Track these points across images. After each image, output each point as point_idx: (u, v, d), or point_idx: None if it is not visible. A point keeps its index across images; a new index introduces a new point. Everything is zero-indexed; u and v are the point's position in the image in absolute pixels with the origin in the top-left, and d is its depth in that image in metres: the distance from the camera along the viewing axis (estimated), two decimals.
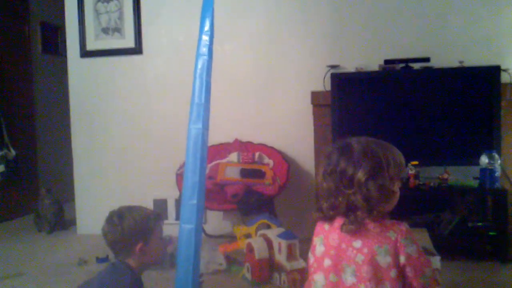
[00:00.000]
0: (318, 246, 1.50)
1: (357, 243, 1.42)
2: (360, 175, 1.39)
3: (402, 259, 1.39)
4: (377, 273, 1.39)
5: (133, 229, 1.82)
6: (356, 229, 1.40)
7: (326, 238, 1.48)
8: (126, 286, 1.77)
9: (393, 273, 1.39)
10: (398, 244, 1.39)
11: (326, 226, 1.50)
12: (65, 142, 4.55)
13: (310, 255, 1.55)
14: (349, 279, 1.42)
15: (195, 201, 1.94)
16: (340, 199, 1.42)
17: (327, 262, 1.46)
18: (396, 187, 1.44)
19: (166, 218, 4.00)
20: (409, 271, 1.40)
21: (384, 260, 1.39)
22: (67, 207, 4.54)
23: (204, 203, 2.02)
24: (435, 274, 1.44)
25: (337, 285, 1.43)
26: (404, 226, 1.42)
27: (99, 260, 3.32)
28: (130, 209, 1.88)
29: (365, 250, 1.40)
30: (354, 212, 1.41)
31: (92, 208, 4.19)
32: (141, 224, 1.84)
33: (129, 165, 4.20)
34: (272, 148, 3.83)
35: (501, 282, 2.88)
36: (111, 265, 1.88)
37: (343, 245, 1.43)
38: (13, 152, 4.32)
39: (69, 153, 4.37)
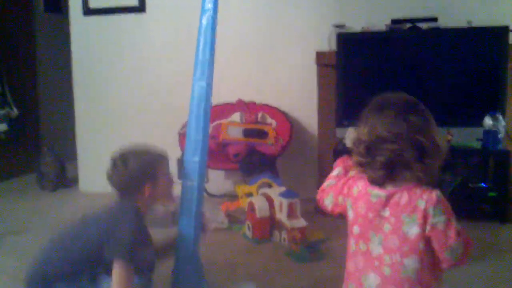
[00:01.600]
0: (349, 210, 1.46)
1: (385, 212, 1.36)
2: (410, 129, 1.33)
3: (427, 229, 1.32)
4: (404, 244, 1.33)
5: (139, 172, 1.80)
6: (380, 180, 1.36)
7: (355, 204, 1.43)
8: (131, 221, 1.74)
9: (421, 244, 1.33)
10: (426, 214, 1.32)
11: (355, 191, 1.43)
12: (67, 100, 4.54)
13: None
14: (375, 249, 1.37)
15: (197, 159, 1.95)
16: (382, 153, 1.34)
17: (355, 229, 1.42)
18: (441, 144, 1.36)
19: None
20: (434, 243, 1.33)
21: (412, 230, 1.32)
22: (70, 166, 4.56)
23: (207, 161, 2.02)
24: (468, 249, 1.36)
25: (366, 253, 1.39)
26: (435, 195, 1.33)
27: None
28: (133, 151, 1.85)
29: (392, 220, 1.35)
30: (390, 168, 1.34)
31: (94, 166, 4.20)
32: (147, 166, 1.81)
33: (131, 124, 4.19)
34: (275, 108, 3.81)
35: (500, 241, 2.91)
36: (118, 202, 1.86)
37: (370, 214, 1.38)
38: (15, 111, 4.32)
39: (71, 112, 4.36)
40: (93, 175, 4.19)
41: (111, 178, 1.84)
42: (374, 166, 1.36)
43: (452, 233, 1.32)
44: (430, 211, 1.32)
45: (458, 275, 2.40)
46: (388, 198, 1.36)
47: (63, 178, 4.47)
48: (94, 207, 3.45)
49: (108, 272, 1.67)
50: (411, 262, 1.33)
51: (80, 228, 1.84)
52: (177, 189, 2.01)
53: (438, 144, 1.35)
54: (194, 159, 1.95)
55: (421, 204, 1.33)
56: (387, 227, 1.36)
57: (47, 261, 1.76)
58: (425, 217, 1.32)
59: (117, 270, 1.66)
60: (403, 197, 1.35)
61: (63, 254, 1.75)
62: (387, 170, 1.34)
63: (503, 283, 2.34)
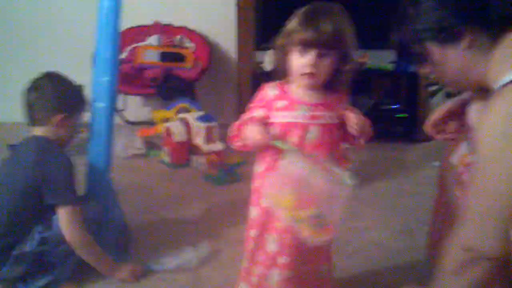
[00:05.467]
0: None
1: None
2: None
3: None
4: None
5: (60, 98, 1.70)
6: None
7: None
8: (62, 160, 1.67)
9: None
10: None
11: None
12: None
13: None
14: None
15: (107, 78, 1.84)
16: None
17: None
18: None
19: None
20: None
21: None
22: None
23: (117, 80, 1.92)
24: None
25: None
26: None
27: (11, 147, 3.19)
28: (60, 77, 1.75)
29: None
30: None
31: (3, 95, 3.97)
32: (71, 95, 1.72)
33: (41, 48, 3.95)
34: (193, 31, 3.70)
35: (410, 159, 3.07)
36: (34, 143, 1.70)
37: None
38: None
39: None
40: (2, 105, 3.95)
41: (27, 96, 1.71)
42: None
43: None
44: None
45: (367, 191, 2.54)
46: None
47: None
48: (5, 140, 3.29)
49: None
50: None
51: (3, 180, 1.70)
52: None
53: None
54: (103, 79, 1.84)
55: None
56: None
57: None
58: None
59: (66, 216, 1.61)
60: None
61: None
62: None
63: (407, 196, 2.48)
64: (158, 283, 1.75)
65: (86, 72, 3.53)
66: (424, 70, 1.27)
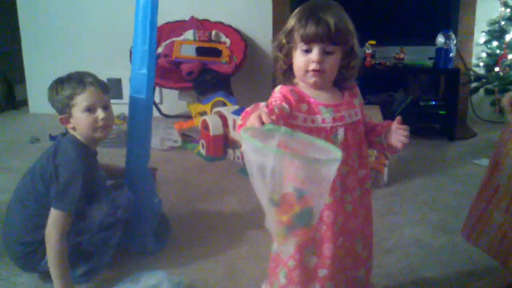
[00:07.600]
0: None
1: None
2: None
3: None
4: None
5: (54, 102, 1.73)
6: None
7: None
8: (70, 155, 1.65)
9: None
10: None
11: None
12: (11, 18, 4.29)
13: None
14: None
15: (145, 71, 1.87)
16: None
17: None
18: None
19: (121, 97, 3.94)
20: None
21: None
22: (18, 88, 4.40)
23: (154, 73, 1.95)
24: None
25: None
26: None
27: (52, 137, 3.27)
28: (61, 80, 1.75)
29: None
30: None
31: (43, 87, 4.00)
32: (60, 98, 1.71)
33: (81, 42, 4.02)
34: (229, 26, 3.71)
35: (448, 157, 3.01)
36: (57, 141, 1.73)
37: None
38: None
39: (16, 31, 4.14)
40: (43, 96, 4.01)
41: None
42: None
43: None
44: None
45: (406, 188, 2.50)
46: None
47: (12, 99, 4.33)
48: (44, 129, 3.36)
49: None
50: None
51: (29, 180, 1.71)
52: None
53: None
54: (141, 71, 1.86)
55: None
56: None
57: (13, 229, 1.69)
58: None
59: (54, 219, 1.59)
60: None
61: (24, 212, 1.68)
62: None
63: (446, 193, 2.43)
64: (196, 273, 1.76)
65: (125, 66, 3.64)
66: None
